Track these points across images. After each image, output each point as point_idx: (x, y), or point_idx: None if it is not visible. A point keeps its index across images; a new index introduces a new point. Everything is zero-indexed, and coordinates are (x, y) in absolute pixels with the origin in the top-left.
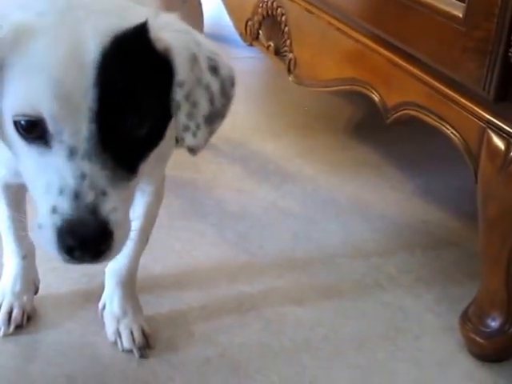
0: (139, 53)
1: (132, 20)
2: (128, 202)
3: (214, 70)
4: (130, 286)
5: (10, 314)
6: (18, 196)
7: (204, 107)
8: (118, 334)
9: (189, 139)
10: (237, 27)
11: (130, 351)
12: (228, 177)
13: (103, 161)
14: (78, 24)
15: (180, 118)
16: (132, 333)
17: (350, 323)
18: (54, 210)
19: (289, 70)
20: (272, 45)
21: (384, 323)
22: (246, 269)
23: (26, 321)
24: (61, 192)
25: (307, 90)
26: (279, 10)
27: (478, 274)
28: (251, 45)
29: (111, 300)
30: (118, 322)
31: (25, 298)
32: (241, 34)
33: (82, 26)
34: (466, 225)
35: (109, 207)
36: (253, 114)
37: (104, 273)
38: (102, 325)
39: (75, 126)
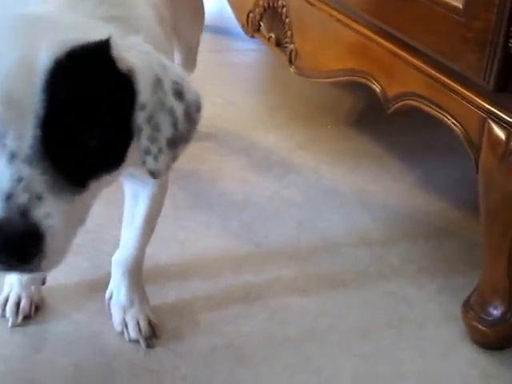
0: (97, 68)
1: (94, 37)
2: (72, 216)
3: (179, 94)
4: (137, 275)
5: (18, 304)
6: None
7: (167, 131)
8: (125, 324)
9: (150, 163)
10: (238, 19)
11: (137, 341)
12: (231, 168)
13: (44, 167)
14: (35, 36)
15: (141, 140)
16: (138, 323)
17: (354, 313)
18: None
19: (290, 61)
20: (273, 36)
21: (388, 312)
22: (251, 258)
23: (33, 311)
24: None
25: (308, 81)
26: (280, 1)
27: (480, 263)
28: (253, 36)
29: (118, 290)
30: (125, 312)
31: (32, 288)
32: (242, 26)
33: (39, 38)
34: (467, 215)
35: (43, 212)
36: (255, 105)
37: (110, 263)
38: (109, 315)
39: (20, 130)
